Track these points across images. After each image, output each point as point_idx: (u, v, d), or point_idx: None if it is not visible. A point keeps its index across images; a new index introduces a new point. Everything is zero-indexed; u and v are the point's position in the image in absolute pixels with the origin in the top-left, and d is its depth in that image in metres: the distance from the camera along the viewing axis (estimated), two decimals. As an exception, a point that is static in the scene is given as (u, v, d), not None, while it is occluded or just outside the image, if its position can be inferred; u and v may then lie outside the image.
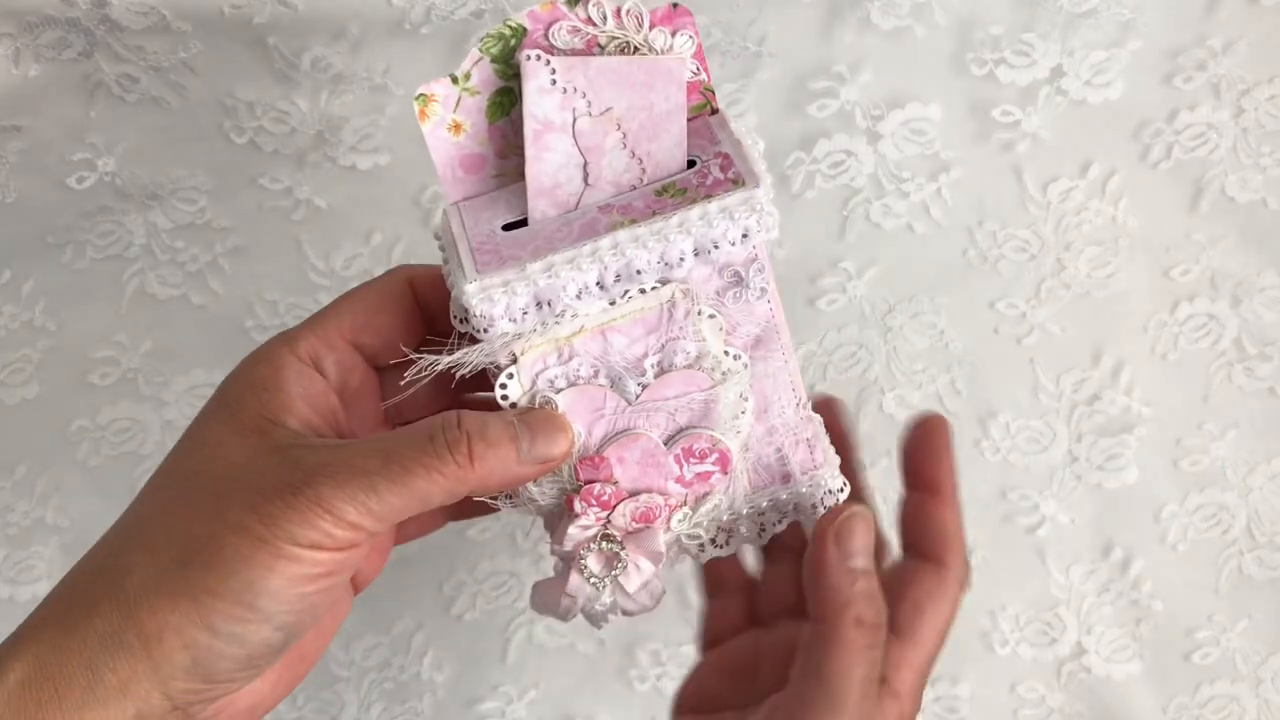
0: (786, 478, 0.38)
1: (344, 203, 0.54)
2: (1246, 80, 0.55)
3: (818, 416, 0.38)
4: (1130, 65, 0.54)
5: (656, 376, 0.35)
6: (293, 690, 0.36)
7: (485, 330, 0.34)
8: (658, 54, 0.35)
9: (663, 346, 0.35)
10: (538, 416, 0.34)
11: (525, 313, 0.34)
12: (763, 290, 0.36)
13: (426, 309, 0.37)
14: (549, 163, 0.36)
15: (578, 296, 0.34)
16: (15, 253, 0.54)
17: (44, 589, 0.56)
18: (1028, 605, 0.59)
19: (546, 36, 0.35)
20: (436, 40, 0.51)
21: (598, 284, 0.34)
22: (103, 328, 0.55)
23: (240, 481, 0.32)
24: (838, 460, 0.39)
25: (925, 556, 0.38)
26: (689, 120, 0.37)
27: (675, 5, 0.35)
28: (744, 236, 0.34)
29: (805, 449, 0.38)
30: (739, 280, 0.35)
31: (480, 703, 0.59)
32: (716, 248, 0.34)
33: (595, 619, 0.37)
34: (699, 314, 0.35)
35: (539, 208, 0.36)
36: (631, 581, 0.36)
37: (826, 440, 0.38)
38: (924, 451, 0.39)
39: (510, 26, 0.35)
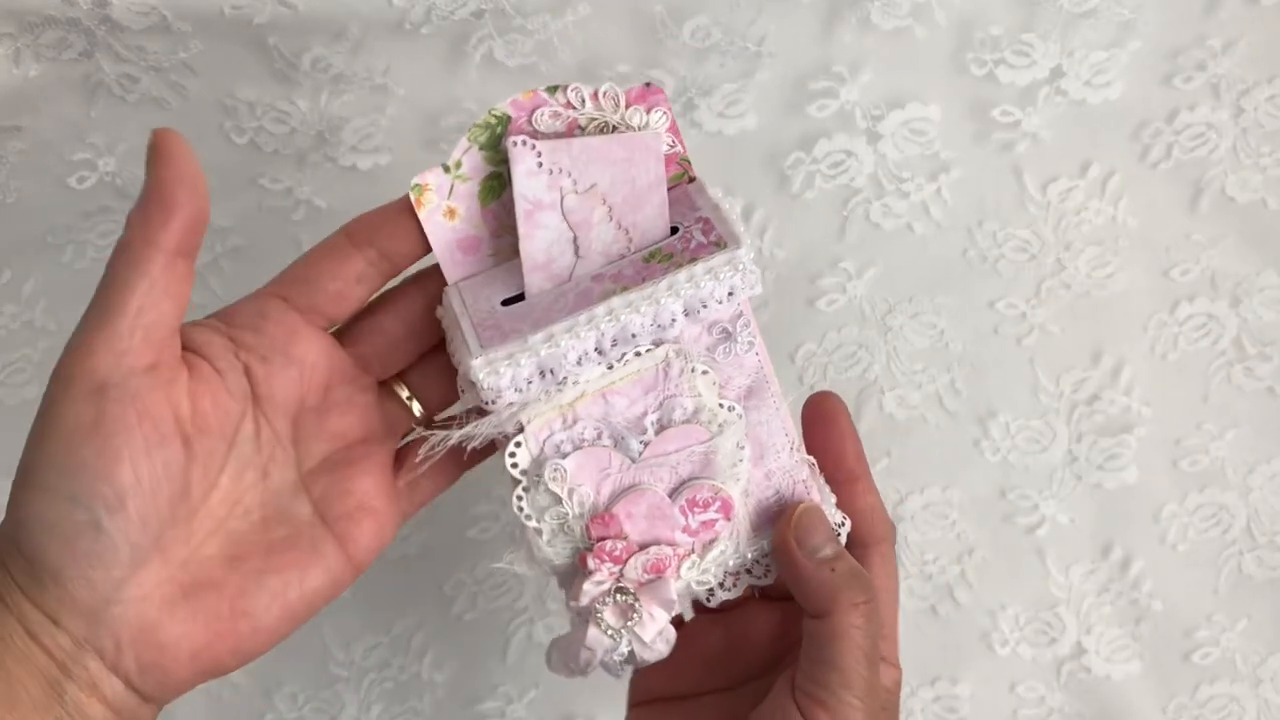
0: None
1: (344, 203, 0.54)
2: (1246, 80, 0.55)
3: (810, 458, 0.40)
4: (1130, 65, 0.54)
5: (657, 433, 0.37)
6: (238, 649, 0.35)
7: (493, 402, 0.36)
8: (635, 131, 0.38)
9: (661, 404, 0.37)
10: None
11: (530, 382, 0.36)
12: (750, 343, 0.38)
13: (369, 251, 0.38)
14: (541, 239, 0.38)
15: (578, 363, 0.36)
16: (15, 253, 0.54)
17: (44, 589, 0.56)
18: (1027, 605, 0.59)
19: (530, 122, 0.37)
20: (437, 40, 0.51)
21: (596, 349, 0.36)
22: (103, 328, 0.55)
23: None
24: (833, 497, 0.41)
25: (865, 543, 0.41)
26: (669, 189, 0.39)
27: (648, 85, 0.38)
28: (730, 294, 0.36)
29: (802, 489, 0.40)
30: (727, 336, 0.38)
31: (480, 703, 0.59)
32: (705, 307, 0.36)
33: (613, 670, 0.39)
34: (693, 371, 0.37)
35: (535, 282, 0.38)
36: (647, 631, 0.38)
37: (821, 479, 0.40)
38: (831, 435, 0.41)
39: (495, 116, 0.37)
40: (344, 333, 0.40)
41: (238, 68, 0.51)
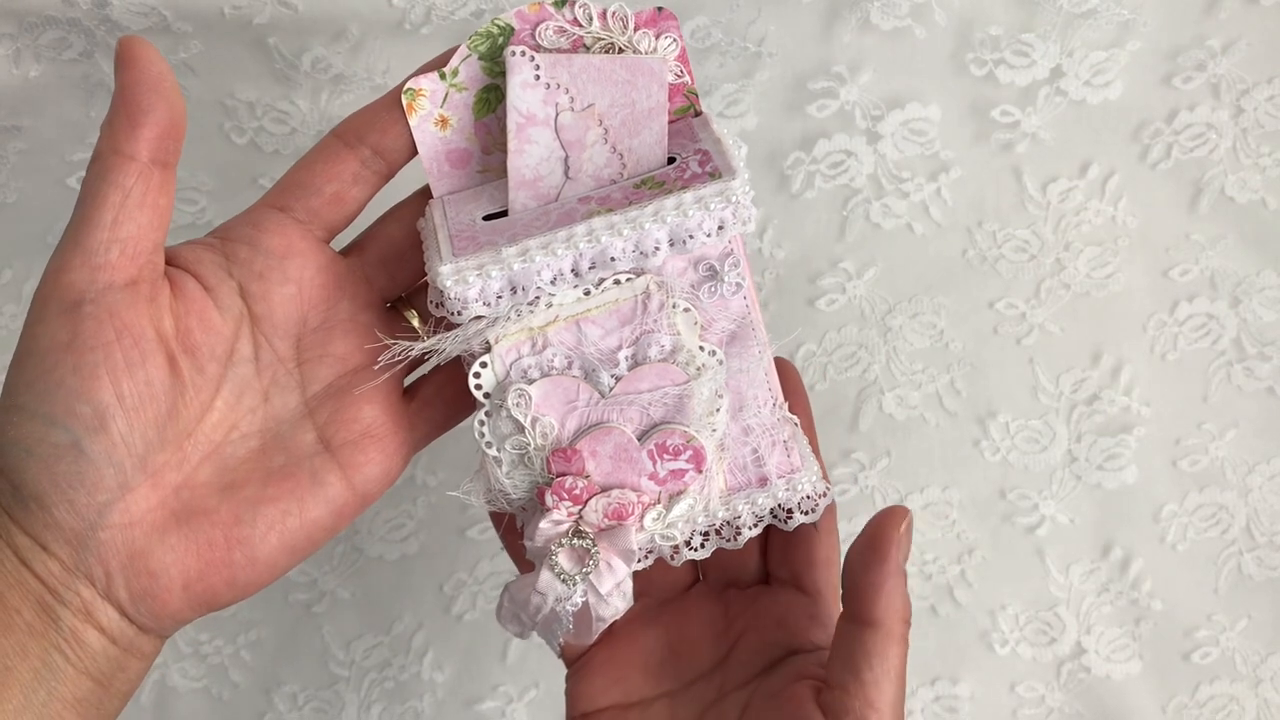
0: (763, 481, 0.37)
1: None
2: (1246, 80, 0.55)
3: (794, 417, 0.37)
4: (1130, 65, 0.54)
5: (630, 369, 0.35)
6: (234, 581, 0.34)
7: (459, 313, 0.34)
8: (641, 55, 0.36)
9: (637, 339, 0.35)
10: None
11: (499, 297, 0.34)
12: (738, 285, 0.35)
13: (362, 151, 0.37)
14: (530, 155, 0.36)
15: (552, 282, 0.34)
16: (15, 253, 0.54)
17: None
18: (1027, 605, 0.59)
19: (533, 36, 0.36)
20: (436, 40, 0.51)
21: (572, 270, 0.34)
22: (103, 328, 0.55)
23: None
24: (817, 465, 0.38)
25: (851, 617, 0.36)
26: (672, 122, 0.37)
27: (660, 10, 0.36)
28: (719, 228, 0.34)
29: (782, 451, 0.37)
30: (714, 274, 0.35)
31: (480, 703, 0.59)
32: (691, 238, 0.34)
33: (560, 625, 0.36)
34: (674, 307, 0.35)
35: (519, 199, 0.36)
36: (604, 581, 0.35)
37: (805, 442, 0.38)
38: (870, 563, 0.35)
39: (498, 25, 0.35)
40: (349, 248, 0.38)
41: (238, 68, 0.51)
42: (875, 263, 0.57)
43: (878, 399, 0.58)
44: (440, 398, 0.39)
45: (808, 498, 0.37)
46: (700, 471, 0.36)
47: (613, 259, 0.34)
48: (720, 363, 0.36)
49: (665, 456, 0.35)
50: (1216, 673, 0.60)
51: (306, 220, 0.36)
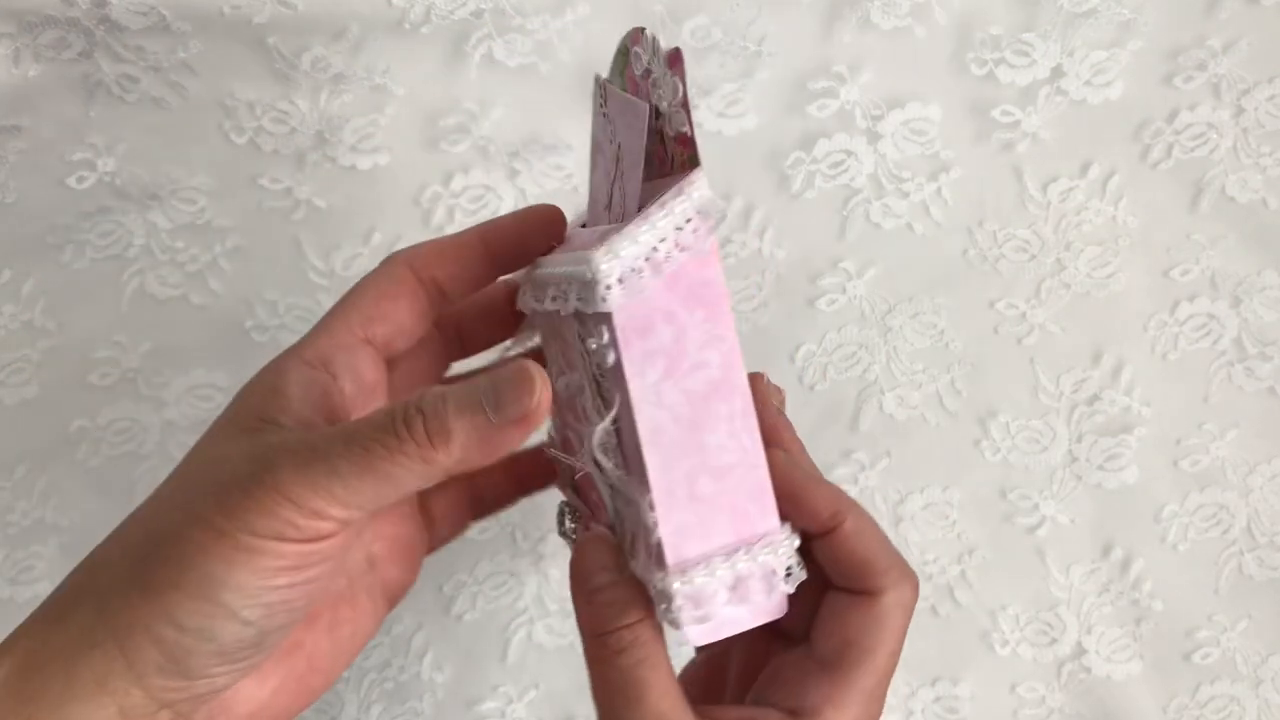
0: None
1: (344, 203, 0.54)
2: (1246, 80, 0.55)
3: None
4: (1130, 65, 0.54)
5: None
6: (306, 704, 0.35)
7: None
8: (632, 99, 0.34)
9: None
10: (502, 372, 0.31)
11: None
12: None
13: (431, 286, 0.37)
14: (597, 178, 0.36)
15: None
16: (15, 253, 0.54)
17: (44, 589, 0.56)
18: (1028, 605, 0.59)
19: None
20: (436, 40, 0.51)
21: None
22: (103, 328, 0.55)
23: (211, 474, 0.31)
24: None
25: (849, 587, 0.34)
26: (668, 176, 0.34)
27: (677, 49, 0.33)
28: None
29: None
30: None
31: (480, 703, 0.59)
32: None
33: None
34: None
35: (590, 216, 0.37)
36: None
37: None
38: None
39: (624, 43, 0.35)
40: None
41: (238, 68, 0.51)
42: (875, 263, 0.57)
43: (878, 399, 0.58)
44: (447, 512, 0.40)
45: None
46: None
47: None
48: None
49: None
50: (1217, 673, 0.60)
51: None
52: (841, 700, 0.33)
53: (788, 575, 0.33)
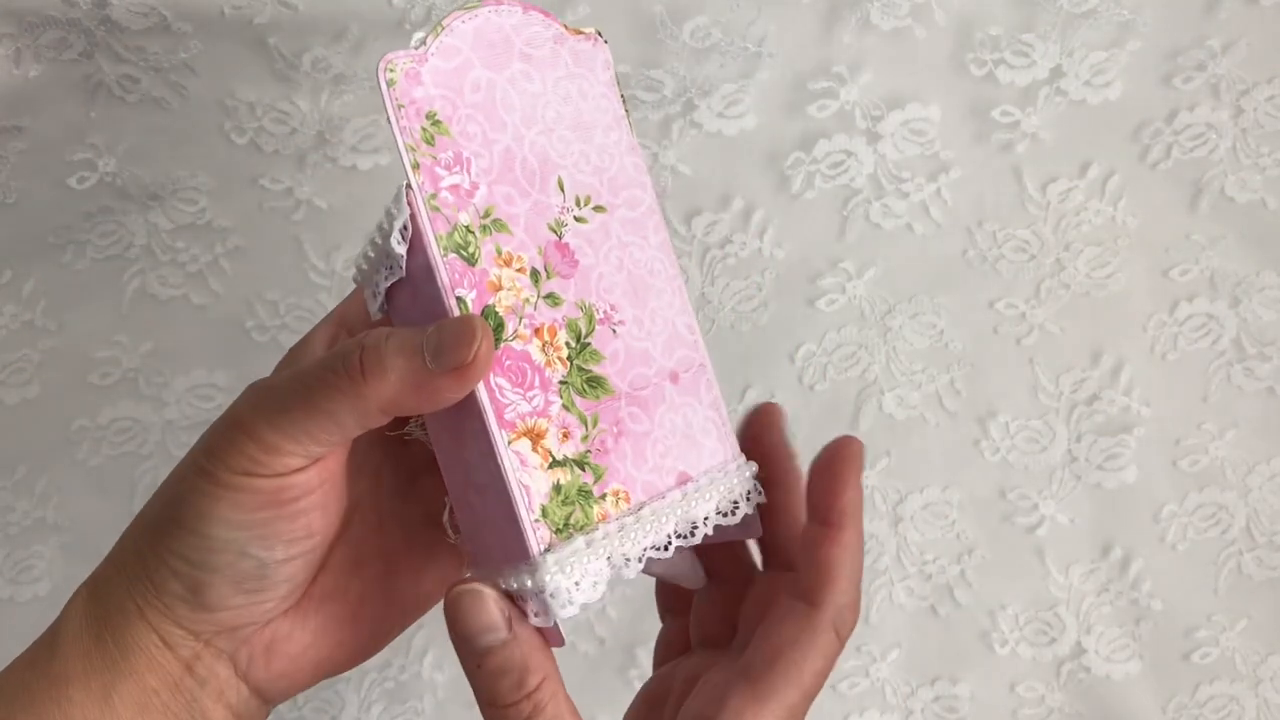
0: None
1: (344, 203, 0.54)
2: (1246, 80, 0.55)
3: None
4: (1130, 65, 0.54)
5: None
6: (358, 656, 0.36)
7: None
8: None
9: None
10: (448, 323, 0.31)
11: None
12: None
13: None
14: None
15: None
16: (16, 253, 0.54)
17: (44, 589, 0.56)
18: (1027, 605, 0.59)
19: None
20: (437, 40, 0.51)
21: None
22: (103, 328, 0.55)
23: (213, 427, 0.33)
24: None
25: (800, 594, 0.34)
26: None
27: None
28: None
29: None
30: None
31: (480, 702, 0.59)
32: None
33: None
34: None
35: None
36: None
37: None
38: (827, 478, 0.35)
39: None
40: None
41: (238, 68, 0.51)
42: (875, 263, 0.57)
43: (878, 399, 0.58)
44: None
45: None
46: None
47: None
48: None
49: None
50: (1216, 673, 0.60)
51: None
52: (760, 712, 0.32)
53: (747, 499, 0.35)
